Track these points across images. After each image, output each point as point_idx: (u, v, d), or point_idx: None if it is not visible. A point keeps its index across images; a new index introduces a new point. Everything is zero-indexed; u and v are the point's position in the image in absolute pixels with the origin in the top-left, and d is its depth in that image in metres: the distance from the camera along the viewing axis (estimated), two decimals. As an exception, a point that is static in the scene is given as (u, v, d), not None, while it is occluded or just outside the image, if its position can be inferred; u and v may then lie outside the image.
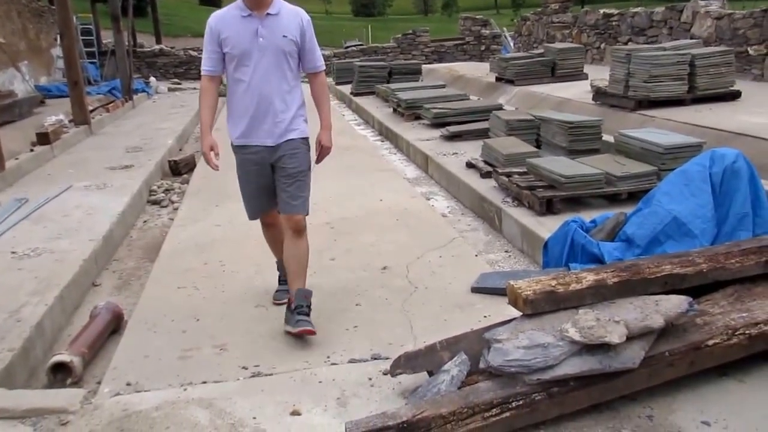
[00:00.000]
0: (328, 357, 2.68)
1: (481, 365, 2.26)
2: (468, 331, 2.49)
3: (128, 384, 2.56)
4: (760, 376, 2.37)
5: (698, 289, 2.61)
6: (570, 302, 2.39)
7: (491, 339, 2.30)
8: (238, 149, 2.99)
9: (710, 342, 2.37)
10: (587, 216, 3.91)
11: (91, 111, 9.42)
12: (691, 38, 9.08)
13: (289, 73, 2.91)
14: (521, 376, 2.16)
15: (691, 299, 2.42)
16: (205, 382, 2.52)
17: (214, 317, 3.14)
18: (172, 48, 19.60)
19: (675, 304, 2.39)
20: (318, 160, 3.08)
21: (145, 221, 5.24)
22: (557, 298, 2.37)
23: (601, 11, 12.80)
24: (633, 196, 4.32)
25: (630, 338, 2.27)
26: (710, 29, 9.11)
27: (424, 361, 2.36)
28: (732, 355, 2.40)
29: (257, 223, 3.22)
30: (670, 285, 2.53)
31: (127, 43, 12.63)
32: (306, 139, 3.00)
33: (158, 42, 20.45)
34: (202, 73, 2.99)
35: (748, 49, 8.26)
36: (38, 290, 3.28)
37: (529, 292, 2.35)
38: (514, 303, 2.41)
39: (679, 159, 4.31)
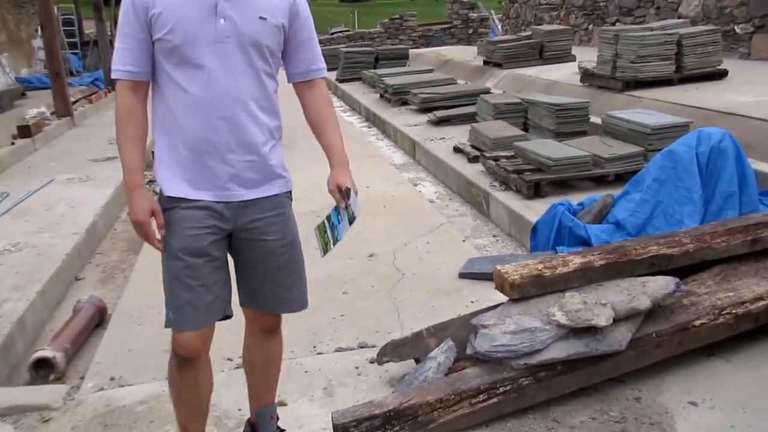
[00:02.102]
0: (315, 347, 2.65)
1: (468, 351, 2.25)
2: (455, 317, 2.47)
3: (112, 378, 2.53)
4: (746, 356, 2.37)
5: (685, 269, 2.60)
6: (557, 286, 2.37)
7: (478, 325, 2.28)
8: (172, 205, 1.78)
9: (697, 322, 2.36)
10: (575, 199, 3.90)
11: (74, 102, 9.28)
12: (679, 18, 9.03)
13: (268, 81, 1.81)
14: (508, 361, 2.14)
15: (677, 280, 2.41)
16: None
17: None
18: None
19: (662, 285, 2.38)
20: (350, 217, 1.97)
21: (129, 213, 5.15)
22: (544, 281, 2.36)
23: (589, -8, 12.70)
24: (620, 178, 4.31)
25: (617, 320, 2.26)
26: (697, 8, 9.07)
27: (410, 348, 2.34)
28: (719, 335, 2.39)
29: None
30: (656, 266, 2.52)
31: (109, 33, 12.43)
32: (291, 192, 1.93)
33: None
34: (116, 76, 1.75)
35: (735, 27, 8.23)
36: (19, 285, 3.22)
37: (515, 277, 2.33)
38: (500, 288, 2.39)
39: (666, 139, 4.30)
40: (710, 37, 6.53)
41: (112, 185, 5.24)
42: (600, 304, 2.25)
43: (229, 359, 2.59)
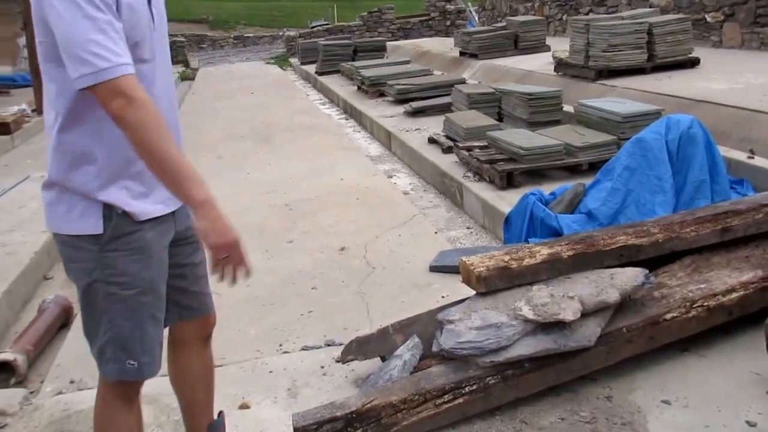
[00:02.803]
0: (281, 345, 2.59)
1: (434, 348, 2.19)
2: (422, 312, 2.42)
3: (71, 382, 2.45)
4: (721, 351, 2.33)
5: (655, 260, 2.56)
6: (525, 278, 2.32)
7: (444, 320, 2.23)
8: (135, 228, 1.49)
9: (668, 316, 2.32)
10: (549, 188, 3.86)
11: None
12: (650, 7, 9.05)
13: None
14: (474, 358, 2.09)
15: (647, 271, 2.36)
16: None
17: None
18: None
19: (630, 276, 2.34)
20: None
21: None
22: (511, 274, 2.30)
23: (562, -18, 12.70)
24: (594, 167, 4.27)
25: (585, 314, 2.21)
26: (669, -3, 9.10)
27: (376, 345, 2.28)
28: (691, 329, 2.35)
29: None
30: (626, 257, 2.48)
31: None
32: None
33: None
34: (121, 72, 1.34)
35: (706, 16, 8.27)
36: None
37: (481, 269, 2.27)
38: (467, 281, 2.34)
39: (638, 127, 4.27)
40: (680, 25, 6.54)
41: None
42: (567, 298, 2.20)
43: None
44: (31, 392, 2.41)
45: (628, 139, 3.86)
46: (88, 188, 1.44)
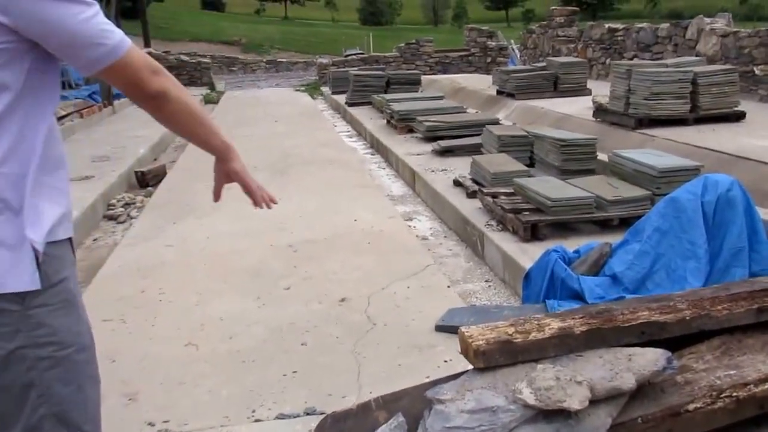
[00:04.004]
0: (253, 411, 2.35)
1: (419, 431, 1.94)
2: (412, 385, 2.17)
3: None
4: (749, 448, 2.03)
5: (681, 339, 2.28)
6: (529, 354, 2.06)
7: (433, 398, 1.98)
8: (68, 264, 1.33)
9: (691, 406, 2.03)
10: (576, 244, 3.60)
11: (63, 117, 9.10)
12: (697, 56, 8.76)
13: None
14: (463, 447, 1.84)
15: (669, 354, 2.08)
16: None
17: (133, 358, 2.81)
18: (165, 52, 19.40)
19: (650, 360, 2.06)
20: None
21: (95, 239, 4.92)
22: (515, 349, 2.05)
23: (606, 26, 12.48)
24: (625, 222, 4.00)
25: (595, 401, 1.95)
26: (715, 47, 8.79)
27: (354, 423, 2.03)
28: (716, 421, 2.06)
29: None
30: (647, 335, 2.20)
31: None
32: None
33: (146, 45, 20.19)
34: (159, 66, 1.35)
35: (754, 68, 7.93)
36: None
37: (480, 342, 2.03)
38: (465, 353, 2.09)
39: (674, 183, 3.99)
40: (727, 76, 6.25)
41: (80, 208, 4.97)
42: (575, 382, 1.93)
43: (150, 424, 2.30)
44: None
45: (664, 195, 3.60)
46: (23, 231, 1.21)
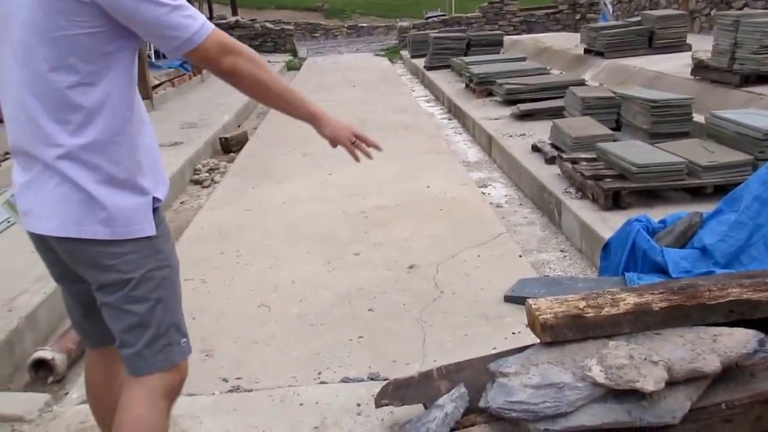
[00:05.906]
0: (320, 373, 2.37)
1: (481, 403, 1.88)
2: (478, 356, 2.11)
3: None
4: None
5: (776, 320, 2.07)
6: (602, 330, 1.94)
7: (497, 371, 1.91)
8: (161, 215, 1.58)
9: (784, 393, 1.86)
10: (662, 213, 3.37)
11: (157, 86, 9.45)
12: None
13: None
14: (525, 423, 1.76)
15: (762, 336, 1.90)
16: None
17: (212, 316, 2.90)
18: (251, 20, 19.73)
19: (739, 341, 1.89)
20: None
21: (182, 202, 5.09)
22: (585, 324, 1.93)
23: (712, -27, 11.45)
24: (721, 190, 3.69)
25: (673, 383, 1.81)
26: (840, -8, 7.87)
27: (416, 391, 2.00)
28: (813, 411, 1.87)
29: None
30: (737, 314, 2.01)
31: (208, 15, 12.75)
32: None
33: (234, 13, 20.60)
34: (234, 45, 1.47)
35: None
36: (43, 276, 3.15)
37: (548, 316, 1.93)
38: (531, 326, 2.00)
39: (781, 148, 3.64)
40: None
41: (169, 173, 5.18)
42: (650, 362, 1.80)
43: (224, 380, 2.36)
44: (52, 397, 2.32)
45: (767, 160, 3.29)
46: (148, 185, 1.50)
